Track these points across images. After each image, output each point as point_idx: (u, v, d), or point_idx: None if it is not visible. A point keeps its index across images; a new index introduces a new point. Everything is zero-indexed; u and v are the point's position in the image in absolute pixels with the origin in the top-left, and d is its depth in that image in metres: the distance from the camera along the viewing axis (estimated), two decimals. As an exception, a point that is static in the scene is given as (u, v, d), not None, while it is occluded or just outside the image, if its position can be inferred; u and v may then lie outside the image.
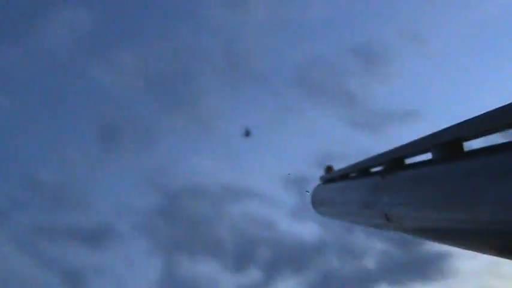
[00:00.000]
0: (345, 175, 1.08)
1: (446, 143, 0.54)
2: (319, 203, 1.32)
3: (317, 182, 1.72)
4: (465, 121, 0.49)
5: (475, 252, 0.49)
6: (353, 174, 1.00)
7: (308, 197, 1.45)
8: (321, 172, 1.69)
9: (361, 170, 0.93)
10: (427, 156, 0.64)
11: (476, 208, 0.44)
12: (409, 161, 0.73)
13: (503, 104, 0.42)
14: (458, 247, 0.54)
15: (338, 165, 1.53)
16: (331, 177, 1.27)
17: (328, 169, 1.45)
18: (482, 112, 0.47)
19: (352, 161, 1.04)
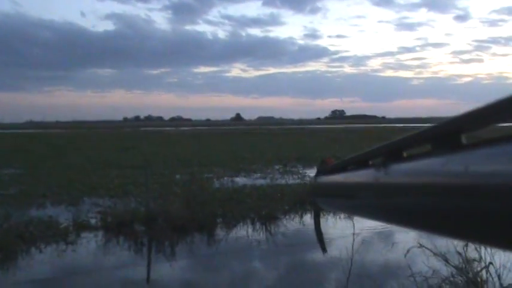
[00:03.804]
0: (343, 167, 1.09)
1: (446, 135, 0.55)
2: (318, 195, 1.33)
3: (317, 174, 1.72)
4: (465, 113, 0.50)
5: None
6: (352, 166, 1.00)
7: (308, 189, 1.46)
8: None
9: (360, 161, 0.94)
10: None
11: (476, 200, 0.44)
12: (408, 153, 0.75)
13: (502, 97, 0.43)
14: (459, 239, 0.54)
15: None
16: (329, 169, 1.27)
17: (327, 161, 1.45)
18: (481, 104, 0.47)
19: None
